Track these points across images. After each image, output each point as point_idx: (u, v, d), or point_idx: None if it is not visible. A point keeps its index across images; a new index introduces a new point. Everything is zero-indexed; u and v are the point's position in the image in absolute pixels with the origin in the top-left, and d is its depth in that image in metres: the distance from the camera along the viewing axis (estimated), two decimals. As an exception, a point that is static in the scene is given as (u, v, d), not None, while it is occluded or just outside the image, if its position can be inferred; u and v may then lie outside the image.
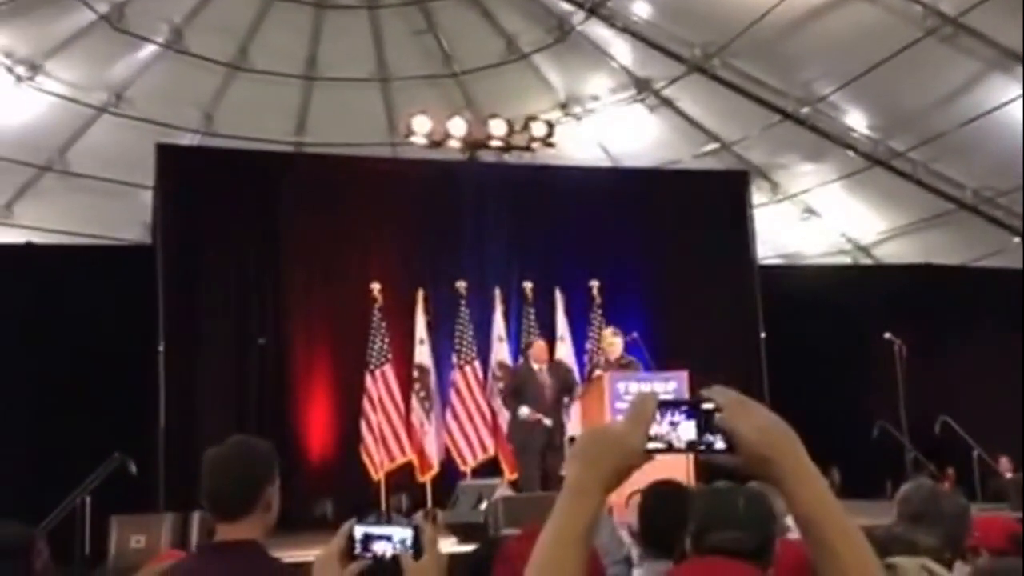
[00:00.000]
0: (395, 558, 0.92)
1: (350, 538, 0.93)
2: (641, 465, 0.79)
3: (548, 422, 5.67)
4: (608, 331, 5.96)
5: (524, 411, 5.67)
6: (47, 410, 6.16)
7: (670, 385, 5.25)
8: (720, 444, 0.78)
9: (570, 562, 0.74)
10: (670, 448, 0.79)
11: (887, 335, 6.48)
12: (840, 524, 0.76)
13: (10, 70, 7.62)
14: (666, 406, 0.80)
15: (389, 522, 0.93)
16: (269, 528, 1.53)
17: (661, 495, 1.96)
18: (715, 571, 1.20)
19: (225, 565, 1.46)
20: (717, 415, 0.79)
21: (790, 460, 0.77)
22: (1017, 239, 8.19)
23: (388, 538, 0.92)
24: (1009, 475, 6.53)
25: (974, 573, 1.70)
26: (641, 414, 0.79)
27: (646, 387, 5.15)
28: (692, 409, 0.80)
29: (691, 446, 0.79)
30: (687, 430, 0.79)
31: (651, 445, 0.79)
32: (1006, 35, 6.56)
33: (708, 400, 0.79)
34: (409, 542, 0.92)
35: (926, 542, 1.52)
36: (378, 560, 0.92)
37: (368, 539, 0.92)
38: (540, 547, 0.76)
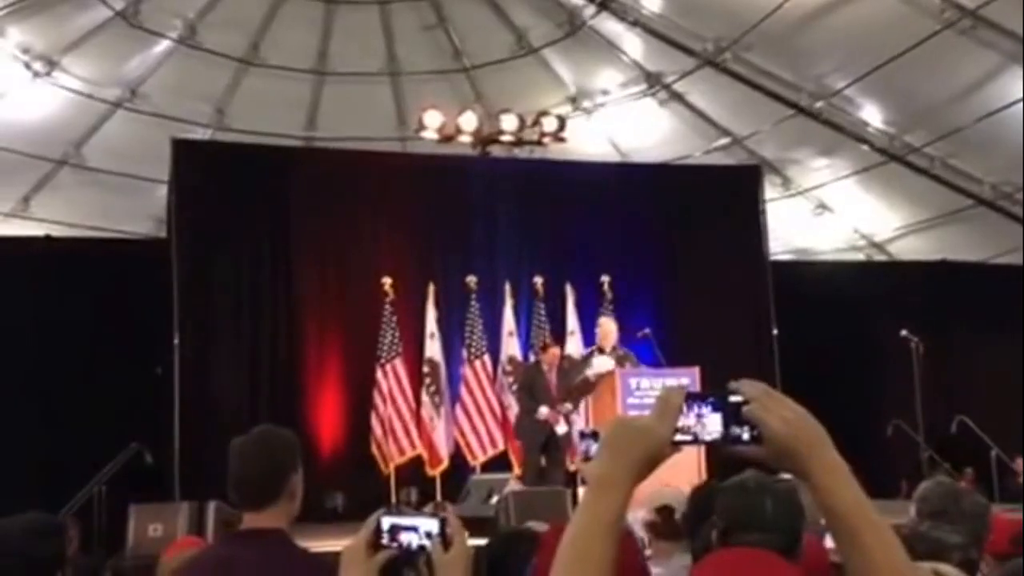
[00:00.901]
0: (421, 548, 0.92)
1: (377, 529, 0.93)
2: (669, 457, 0.78)
3: (562, 429, 5.67)
4: (603, 319, 5.98)
5: (543, 411, 5.68)
6: (63, 400, 6.23)
7: (682, 382, 5.23)
8: (747, 436, 0.78)
9: (598, 553, 0.74)
10: (696, 440, 0.79)
11: (903, 333, 6.41)
12: (869, 518, 0.75)
13: (27, 66, 7.68)
14: (693, 398, 0.80)
15: (403, 514, 0.94)
16: (293, 517, 1.55)
17: (705, 490, 1.97)
18: (745, 561, 1.20)
19: (254, 553, 1.47)
20: (744, 407, 0.78)
21: (817, 453, 0.77)
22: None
23: (415, 529, 0.93)
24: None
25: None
26: (669, 406, 0.79)
27: (658, 383, 5.13)
28: (719, 401, 0.79)
29: (718, 438, 0.79)
30: (714, 422, 0.79)
31: (678, 437, 0.78)
32: (1025, 28, 6.45)
33: (735, 392, 0.79)
34: (436, 533, 0.93)
35: (953, 540, 1.50)
36: (404, 550, 0.93)
37: (395, 530, 0.93)
38: (568, 539, 0.76)
